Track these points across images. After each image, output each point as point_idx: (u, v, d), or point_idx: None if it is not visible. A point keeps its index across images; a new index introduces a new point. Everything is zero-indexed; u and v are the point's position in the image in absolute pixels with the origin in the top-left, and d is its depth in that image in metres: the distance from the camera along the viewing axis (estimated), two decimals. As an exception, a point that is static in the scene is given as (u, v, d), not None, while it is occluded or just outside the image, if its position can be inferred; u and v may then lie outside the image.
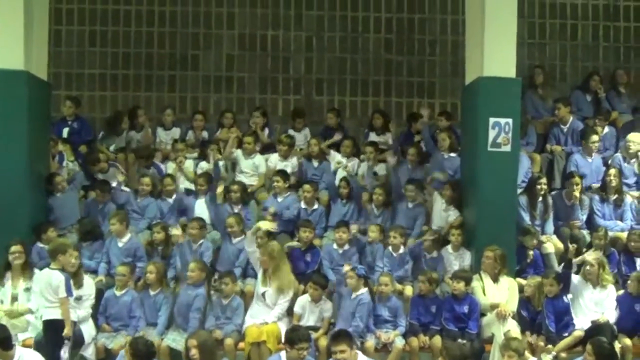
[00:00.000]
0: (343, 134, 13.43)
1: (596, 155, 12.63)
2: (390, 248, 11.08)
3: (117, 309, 10.20)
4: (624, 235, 11.49)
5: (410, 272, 11.02)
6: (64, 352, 9.26)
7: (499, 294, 10.33)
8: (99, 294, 10.34)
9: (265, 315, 10.07)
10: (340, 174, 12.56)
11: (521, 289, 10.50)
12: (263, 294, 10.18)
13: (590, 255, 10.59)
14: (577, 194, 11.76)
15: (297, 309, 10.25)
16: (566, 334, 10.03)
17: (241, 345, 9.96)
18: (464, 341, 9.83)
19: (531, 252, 11.11)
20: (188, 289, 10.21)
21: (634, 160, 12.56)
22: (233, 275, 10.47)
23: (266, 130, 13.57)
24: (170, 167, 12.78)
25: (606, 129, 13.27)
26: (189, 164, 12.74)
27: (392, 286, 10.39)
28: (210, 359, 8.19)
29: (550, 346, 9.95)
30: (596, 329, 9.80)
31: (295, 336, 8.29)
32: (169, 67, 14.61)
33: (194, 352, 8.10)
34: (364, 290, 10.19)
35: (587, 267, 10.54)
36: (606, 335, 9.32)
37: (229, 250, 11.12)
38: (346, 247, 11.11)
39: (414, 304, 10.36)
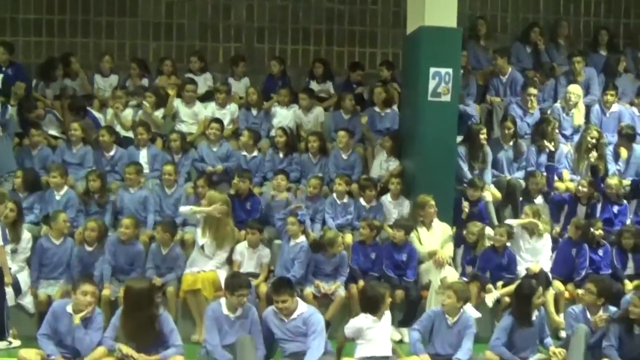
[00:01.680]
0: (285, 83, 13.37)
1: (534, 106, 12.71)
2: (334, 195, 11.11)
3: (54, 258, 10.09)
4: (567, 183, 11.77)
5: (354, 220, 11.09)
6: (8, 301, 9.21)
7: (434, 240, 10.46)
8: (35, 242, 10.19)
9: (203, 265, 10.05)
10: (278, 122, 12.51)
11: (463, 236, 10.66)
12: (202, 246, 10.15)
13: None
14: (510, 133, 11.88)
15: (235, 256, 10.25)
16: (510, 276, 10.23)
17: (182, 294, 9.96)
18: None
19: (465, 204, 11.18)
20: (128, 246, 10.10)
21: (572, 111, 12.70)
22: (169, 225, 10.38)
23: (207, 75, 13.42)
24: (108, 115, 12.58)
25: (545, 80, 13.38)
26: (127, 113, 12.55)
27: (342, 246, 10.41)
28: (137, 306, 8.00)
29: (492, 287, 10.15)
30: (530, 277, 9.92)
31: (235, 282, 8.27)
32: (107, 14, 14.25)
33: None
34: (303, 237, 10.24)
35: (523, 216, 10.71)
36: (540, 283, 9.47)
37: (167, 200, 11.06)
38: (284, 194, 11.08)
39: (354, 250, 10.43)
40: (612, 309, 8.67)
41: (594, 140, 11.82)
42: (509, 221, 10.75)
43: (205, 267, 10.01)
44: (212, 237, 10.12)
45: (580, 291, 9.71)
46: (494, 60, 13.33)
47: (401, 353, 8.42)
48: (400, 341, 9.62)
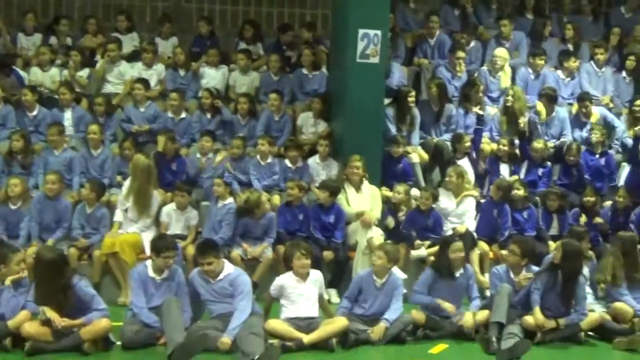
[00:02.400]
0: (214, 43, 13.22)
1: (462, 69, 12.80)
2: (258, 157, 11.09)
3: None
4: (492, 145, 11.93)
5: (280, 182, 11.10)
6: None
7: (363, 202, 10.52)
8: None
9: (127, 227, 10.00)
10: (206, 83, 12.39)
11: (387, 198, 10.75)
12: (126, 209, 10.08)
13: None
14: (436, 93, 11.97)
15: (163, 217, 10.20)
16: (435, 236, 10.37)
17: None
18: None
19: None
20: (54, 202, 9.94)
21: (499, 74, 12.84)
22: (96, 184, 10.28)
23: (133, 35, 13.22)
24: (32, 74, 12.27)
25: (472, 43, 13.48)
26: (54, 72, 12.27)
27: (269, 206, 10.44)
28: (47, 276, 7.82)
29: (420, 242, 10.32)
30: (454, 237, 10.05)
31: (161, 244, 8.22)
32: (31, -30, 13.90)
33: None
34: (230, 199, 10.22)
35: (447, 179, 10.84)
36: (466, 243, 9.63)
37: (93, 161, 10.89)
38: (210, 155, 11.08)
39: (281, 212, 10.44)
40: (535, 268, 8.87)
41: (511, 98, 11.97)
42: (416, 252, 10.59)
43: (128, 230, 9.94)
44: (134, 204, 10.03)
45: (504, 252, 9.91)
46: (426, 22, 13.36)
47: (333, 314, 8.50)
48: (328, 301, 9.68)
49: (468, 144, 11.59)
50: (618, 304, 8.99)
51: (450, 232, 10.40)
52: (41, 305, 7.67)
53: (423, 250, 10.24)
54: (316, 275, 8.38)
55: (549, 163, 11.87)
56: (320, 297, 8.44)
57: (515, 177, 11.36)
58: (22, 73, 12.28)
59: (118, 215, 10.12)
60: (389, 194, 10.84)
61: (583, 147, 11.97)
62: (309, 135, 11.82)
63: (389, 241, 9.73)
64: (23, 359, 7.51)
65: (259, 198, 10.22)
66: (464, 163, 11.44)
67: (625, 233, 9.85)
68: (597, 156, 11.91)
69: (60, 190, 9.98)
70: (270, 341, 7.86)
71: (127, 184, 10.20)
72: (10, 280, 7.81)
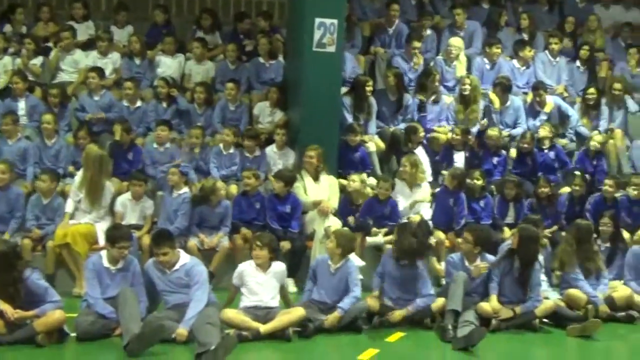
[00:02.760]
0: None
1: (420, 61, 12.83)
2: (221, 146, 11.05)
3: None
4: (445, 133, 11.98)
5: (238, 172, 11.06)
6: None
7: (320, 192, 10.54)
8: None
9: (81, 218, 9.91)
10: (162, 72, 12.29)
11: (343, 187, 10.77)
12: (79, 200, 9.99)
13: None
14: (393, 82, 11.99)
15: (118, 207, 10.12)
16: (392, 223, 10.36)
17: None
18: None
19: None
20: (5, 192, 9.82)
21: (454, 63, 12.90)
22: (53, 174, 10.17)
23: (89, 23, 13.05)
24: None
25: (428, 32, 13.52)
26: (7, 61, 12.08)
27: (225, 190, 10.45)
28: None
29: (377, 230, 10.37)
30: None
31: (116, 235, 8.16)
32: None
33: None
34: (186, 189, 10.18)
35: (401, 168, 10.89)
36: (422, 232, 9.68)
37: (48, 151, 10.78)
38: (167, 145, 10.99)
39: (238, 202, 10.43)
40: (489, 257, 8.94)
41: (467, 87, 12.04)
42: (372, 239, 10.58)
43: (81, 220, 9.86)
44: (86, 194, 9.94)
45: (459, 240, 9.97)
46: (386, 10, 13.37)
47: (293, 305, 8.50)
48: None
49: (422, 134, 11.63)
50: (572, 291, 9.13)
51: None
52: None
53: (379, 238, 10.27)
54: (278, 267, 8.34)
55: (503, 152, 11.97)
56: (282, 288, 8.43)
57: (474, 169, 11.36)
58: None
59: (69, 206, 9.98)
60: (345, 182, 10.85)
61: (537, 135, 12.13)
62: (266, 125, 11.80)
63: (344, 228, 9.77)
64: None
65: (214, 185, 10.19)
66: (420, 152, 11.49)
67: (582, 221, 9.98)
68: (546, 151, 11.97)
69: (10, 180, 9.85)
70: (227, 331, 7.83)
71: (80, 173, 10.09)
72: None
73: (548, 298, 9.01)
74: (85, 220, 9.85)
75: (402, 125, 11.99)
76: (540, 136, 11.96)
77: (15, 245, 8.19)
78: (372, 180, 11.00)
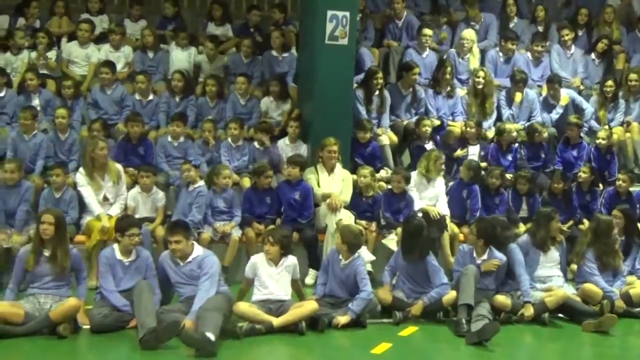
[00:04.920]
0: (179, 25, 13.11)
1: (429, 50, 12.79)
2: (229, 139, 11.04)
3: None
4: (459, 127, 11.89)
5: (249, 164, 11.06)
6: None
7: (333, 185, 10.48)
8: None
9: (107, 210, 9.95)
10: (175, 65, 12.29)
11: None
12: (105, 197, 10.01)
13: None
14: (414, 79, 11.95)
15: (129, 201, 10.12)
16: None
17: (79, 238, 9.77)
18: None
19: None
20: (16, 188, 9.80)
21: (467, 56, 12.84)
22: (65, 167, 10.21)
23: (104, 17, 13.08)
24: (6, 59, 12.09)
25: (444, 27, 13.47)
26: (24, 55, 12.12)
27: (232, 179, 10.42)
28: (64, 235, 8.00)
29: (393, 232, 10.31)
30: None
31: (125, 223, 8.21)
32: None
33: (46, 227, 7.84)
34: (201, 182, 10.17)
35: (426, 163, 10.75)
36: (438, 226, 9.61)
37: (61, 145, 10.79)
38: (181, 139, 10.98)
39: (247, 197, 10.42)
40: (498, 254, 8.86)
41: (480, 80, 11.99)
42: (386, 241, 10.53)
43: (109, 212, 9.92)
44: (110, 180, 9.98)
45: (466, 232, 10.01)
46: (391, 4, 13.32)
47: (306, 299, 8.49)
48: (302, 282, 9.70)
49: (427, 128, 11.53)
50: (587, 285, 9.07)
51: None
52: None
53: (393, 244, 10.16)
54: (290, 261, 8.32)
55: (516, 145, 11.91)
56: (295, 282, 8.41)
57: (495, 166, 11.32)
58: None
59: (96, 205, 9.93)
60: (355, 176, 10.79)
61: (552, 130, 12.05)
62: (277, 118, 11.78)
63: (356, 222, 9.76)
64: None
65: (221, 168, 10.28)
66: (429, 146, 11.44)
67: (602, 215, 9.89)
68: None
69: (19, 178, 9.83)
70: (240, 324, 7.82)
71: (82, 170, 10.09)
72: None
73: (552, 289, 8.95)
74: (112, 212, 9.90)
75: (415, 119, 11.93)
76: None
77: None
78: (382, 174, 10.98)
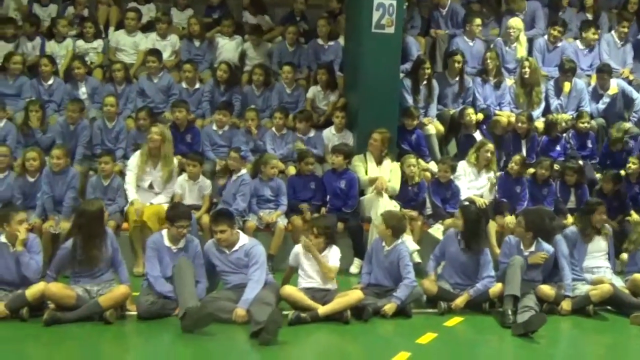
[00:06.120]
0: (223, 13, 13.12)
1: (477, 39, 12.70)
2: (273, 129, 11.06)
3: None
4: (506, 117, 11.76)
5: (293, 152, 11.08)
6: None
7: (382, 175, 10.38)
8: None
9: (150, 198, 10.04)
10: (223, 55, 12.33)
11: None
12: (150, 185, 10.11)
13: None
14: (458, 67, 11.85)
15: (176, 188, 10.18)
16: (452, 210, 10.26)
17: (125, 226, 9.91)
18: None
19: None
20: (63, 175, 9.89)
21: (514, 45, 12.70)
22: (112, 155, 10.31)
23: (151, 5, 13.17)
24: (51, 47, 12.22)
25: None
26: (67, 43, 12.25)
27: (278, 167, 10.44)
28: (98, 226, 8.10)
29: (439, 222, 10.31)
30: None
31: (175, 214, 8.25)
32: None
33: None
34: (243, 170, 10.22)
35: (478, 153, 10.72)
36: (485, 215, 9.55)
37: (109, 133, 10.89)
38: (226, 128, 11.02)
39: (292, 183, 10.46)
40: (546, 245, 8.80)
41: (527, 70, 11.85)
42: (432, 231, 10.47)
43: (153, 200, 10.00)
44: (162, 172, 10.08)
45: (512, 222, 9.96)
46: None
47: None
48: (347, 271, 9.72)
49: (471, 117, 11.42)
50: (637, 275, 8.92)
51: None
52: (82, 260, 7.95)
53: (439, 233, 10.13)
54: (332, 251, 8.32)
55: (564, 135, 11.79)
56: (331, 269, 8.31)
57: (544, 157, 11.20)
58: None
59: (132, 192, 10.04)
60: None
61: (600, 120, 11.90)
62: (323, 108, 11.79)
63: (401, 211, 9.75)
64: (41, 329, 7.53)
65: (269, 156, 10.32)
66: (477, 135, 11.41)
67: None
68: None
69: (66, 164, 9.92)
70: (285, 312, 7.86)
71: (137, 154, 10.18)
72: (20, 243, 7.87)
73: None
74: (158, 201, 9.99)
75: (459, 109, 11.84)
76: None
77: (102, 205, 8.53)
78: (432, 165, 11.02)
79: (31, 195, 9.91)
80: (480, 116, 11.63)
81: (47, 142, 10.58)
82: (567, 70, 12.10)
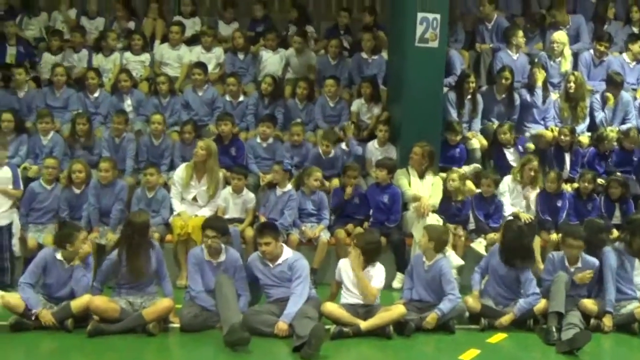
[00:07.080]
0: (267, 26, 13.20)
1: (521, 52, 12.61)
2: (320, 151, 11.03)
3: (45, 203, 10.00)
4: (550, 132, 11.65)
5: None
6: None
7: (424, 189, 10.37)
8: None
9: (195, 211, 10.11)
10: (267, 68, 12.40)
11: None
12: (194, 198, 10.18)
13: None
14: (506, 84, 11.77)
15: (220, 201, 10.23)
16: (495, 225, 10.25)
17: (168, 238, 9.98)
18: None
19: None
20: (110, 187, 10.00)
21: (559, 59, 12.60)
22: (157, 167, 10.41)
23: (196, 19, 13.31)
24: (98, 60, 12.43)
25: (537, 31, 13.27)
26: (115, 57, 12.45)
27: (322, 182, 10.47)
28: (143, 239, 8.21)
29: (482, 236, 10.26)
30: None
31: (204, 223, 8.40)
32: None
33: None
34: (289, 185, 10.25)
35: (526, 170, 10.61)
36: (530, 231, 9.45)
37: (155, 150, 11.00)
38: (270, 141, 11.08)
39: (336, 193, 10.48)
40: (590, 259, 8.71)
41: (572, 84, 11.75)
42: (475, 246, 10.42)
43: (197, 213, 10.06)
44: (207, 186, 10.13)
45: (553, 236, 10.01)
46: (480, 6, 13.17)
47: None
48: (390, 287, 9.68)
49: (507, 135, 11.32)
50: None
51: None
52: (128, 272, 8.06)
53: (482, 248, 10.09)
54: (376, 270, 8.27)
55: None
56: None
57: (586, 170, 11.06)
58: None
59: (177, 204, 10.15)
60: (444, 175, 10.73)
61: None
62: (367, 121, 11.78)
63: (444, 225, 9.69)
64: (85, 340, 7.63)
65: (312, 169, 10.32)
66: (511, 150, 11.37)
67: None
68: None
69: (113, 176, 10.03)
70: (328, 326, 7.86)
71: (182, 167, 10.26)
72: (79, 258, 7.98)
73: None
74: (202, 213, 9.99)
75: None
76: None
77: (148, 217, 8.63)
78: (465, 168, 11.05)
79: (77, 207, 10.03)
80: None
81: (94, 159, 10.69)
82: (614, 83, 11.96)
